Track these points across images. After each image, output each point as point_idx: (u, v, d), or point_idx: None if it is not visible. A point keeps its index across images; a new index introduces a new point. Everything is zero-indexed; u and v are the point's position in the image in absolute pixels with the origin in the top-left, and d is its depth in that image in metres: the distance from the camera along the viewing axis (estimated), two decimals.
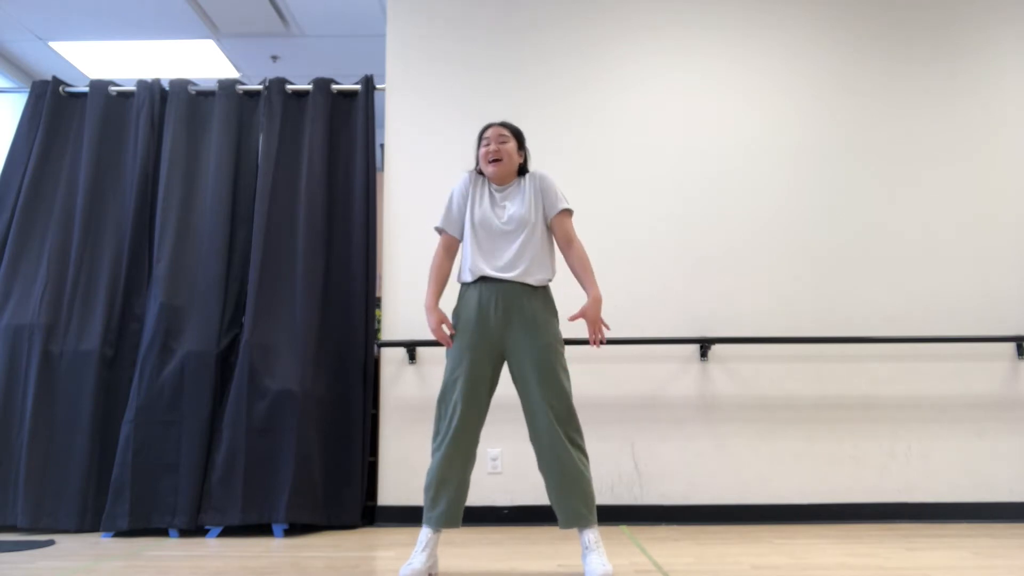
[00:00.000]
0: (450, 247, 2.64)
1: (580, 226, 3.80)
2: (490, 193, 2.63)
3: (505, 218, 2.55)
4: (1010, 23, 4.05)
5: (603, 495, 3.61)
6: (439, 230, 2.66)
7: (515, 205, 2.58)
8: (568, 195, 3.86)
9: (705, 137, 3.95)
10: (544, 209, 2.61)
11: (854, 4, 4.06)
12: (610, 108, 3.98)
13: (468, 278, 2.57)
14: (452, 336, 2.54)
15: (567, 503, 2.43)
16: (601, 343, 2.53)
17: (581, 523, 2.43)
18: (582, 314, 2.53)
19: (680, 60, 4.02)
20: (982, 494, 3.63)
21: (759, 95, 3.99)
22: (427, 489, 2.47)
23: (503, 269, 2.52)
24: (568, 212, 2.62)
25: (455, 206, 2.64)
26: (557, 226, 2.61)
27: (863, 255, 3.84)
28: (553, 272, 2.61)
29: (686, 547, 2.97)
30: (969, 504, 3.62)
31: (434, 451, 2.48)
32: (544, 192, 2.62)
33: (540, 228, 2.59)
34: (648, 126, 3.96)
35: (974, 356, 3.76)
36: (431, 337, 3.66)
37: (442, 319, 2.53)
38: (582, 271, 2.57)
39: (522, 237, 2.54)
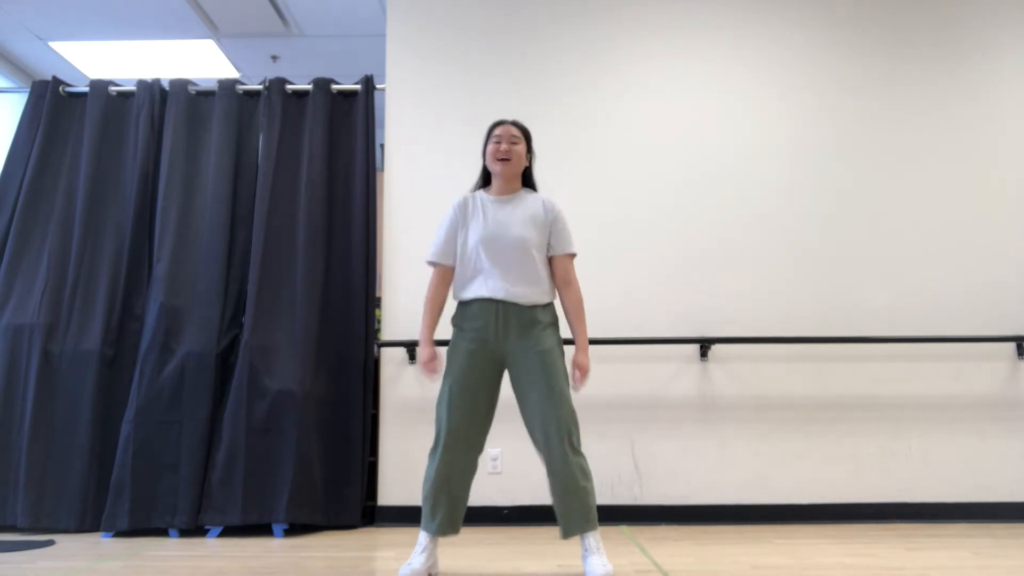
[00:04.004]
0: (445, 277, 2.61)
1: (581, 226, 3.81)
2: (488, 208, 2.58)
3: (509, 237, 2.51)
4: (1010, 23, 4.05)
5: (603, 495, 3.61)
6: (432, 264, 2.61)
7: (519, 222, 2.54)
8: (568, 195, 3.87)
9: (706, 137, 3.95)
10: (551, 243, 2.59)
11: (854, 5, 4.06)
12: (610, 108, 3.98)
13: (470, 296, 2.53)
14: (446, 360, 2.55)
15: (566, 515, 2.42)
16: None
17: (579, 531, 2.43)
18: (576, 365, 2.51)
19: (681, 60, 4.02)
20: (982, 494, 3.63)
21: (760, 95, 3.98)
22: (426, 499, 2.45)
23: (508, 288, 2.48)
24: (574, 255, 2.62)
25: (447, 236, 2.60)
26: (559, 264, 2.59)
27: (864, 255, 3.84)
28: (554, 295, 2.61)
29: (686, 547, 2.97)
30: (969, 504, 3.62)
31: (431, 457, 2.47)
32: (555, 227, 2.59)
33: (542, 252, 2.57)
34: (648, 126, 3.96)
35: (974, 356, 3.75)
36: None
37: (434, 355, 2.52)
38: (576, 314, 2.56)
39: (524, 254, 2.51)
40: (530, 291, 2.51)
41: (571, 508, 2.41)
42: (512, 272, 2.50)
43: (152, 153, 3.96)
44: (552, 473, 2.42)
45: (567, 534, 2.44)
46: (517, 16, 4.06)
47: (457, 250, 2.59)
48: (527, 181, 2.68)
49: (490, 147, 2.60)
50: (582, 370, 2.51)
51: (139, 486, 3.36)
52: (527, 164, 2.65)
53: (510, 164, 2.57)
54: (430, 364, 2.51)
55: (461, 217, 2.60)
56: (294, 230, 3.81)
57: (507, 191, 2.62)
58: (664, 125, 3.96)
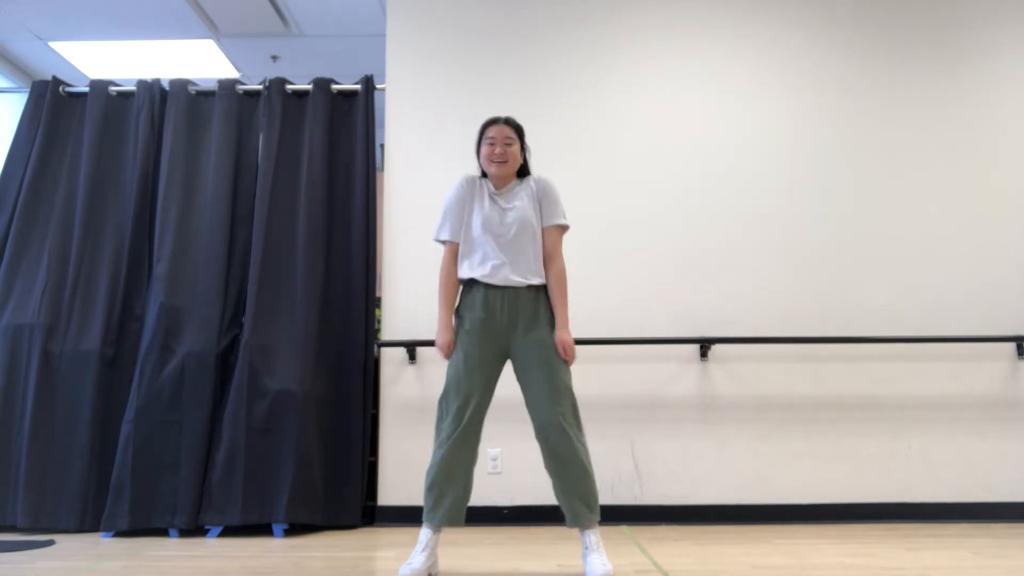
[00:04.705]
0: (456, 254, 2.60)
1: (580, 226, 3.81)
2: (490, 196, 2.60)
3: (509, 221, 2.53)
4: (1010, 23, 4.05)
5: (603, 495, 3.58)
6: (443, 241, 2.62)
7: (517, 208, 2.56)
8: (568, 195, 3.86)
9: (706, 137, 3.95)
10: (541, 215, 2.59)
11: (854, 5, 4.06)
12: (611, 109, 3.98)
13: (473, 276, 2.54)
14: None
15: (570, 503, 2.43)
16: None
17: (583, 523, 2.43)
18: (557, 341, 2.49)
19: (681, 61, 4.02)
20: (982, 494, 3.63)
21: (760, 95, 3.98)
22: (430, 489, 2.45)
23: (508, 272, 2.50)
24: (563, 228, 2.60)
25: (455, 213, 2.60)
26: (546, 236, 2.59)
27: (864, 255, 3.84)
28: None
29: (686, 547, 2.97)
30: (969, 504, 3.62)
31: (436, 449, 2.47)
32: (544, 198, 2.59)
33: (540, 232, 2.58)
34: (649, 126, 3.96)
35: (974, 356, 3.75)
36: (431, 337, 3.66)
37: (450, 342, 2.52)
38: (558, 290, 2.54)
39: (525, 240, 2.53)
40: (531, 272, 2.52)
41: (573, 497, 2.41)
42: (514, 253, 2.52)
43: (152, 153, 3.95)
44: (557, 461, 2.42)
45: (572, 524, 2.44)
46: (517, 16, 4.06)
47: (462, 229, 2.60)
48: (523, 173, 2.69)
49: (484, 149, 2.60)
50: (564, 346, 2.48)
51: (139, 486, 3.36)
52: (523, 161, 2.65)
53: (506, 166, 2.58)
54: (446, 349, 2.52)
55: (468, 194, 2.60)
56: (294, 230, 3.81)
57: (504, 185, 2.63)
58: (664, 125, 3.96)
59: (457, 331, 2.55)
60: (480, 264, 2.52)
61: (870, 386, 3.72)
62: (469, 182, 2.62)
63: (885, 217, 3.88)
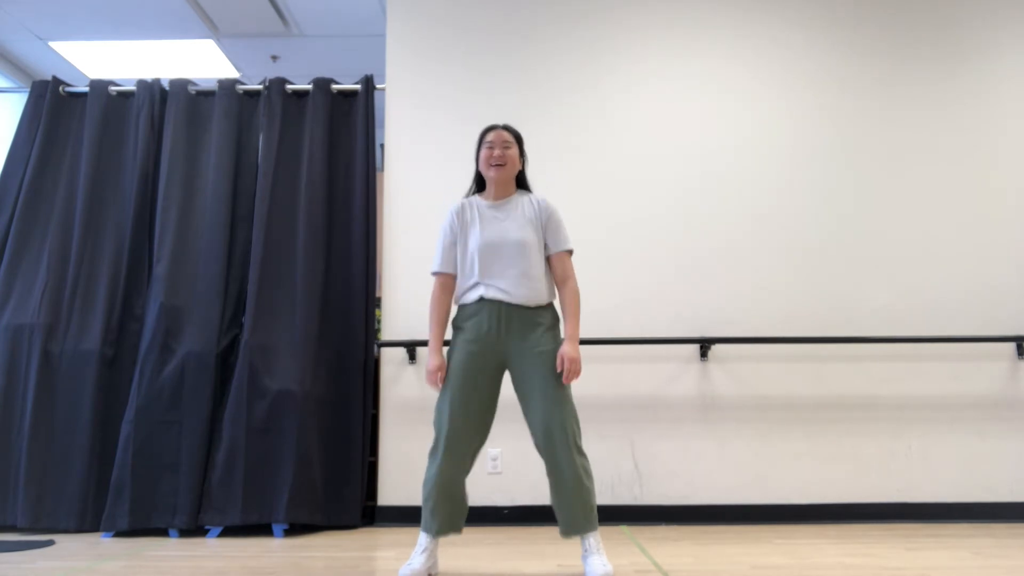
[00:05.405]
0: (447, 285, 2.60)
1: (580, 226, 3.81)
2: (485, 214, 2.59)
3: (507, 238, 2.52)
4: (1010, 24, 4.05)
5: (603, 495, 3.61)
6: (435, 273, 2.61)
7: (516, 226, 2.55)
8: (568, 196, 3.87)
9: (706, 137, 3.95)
10: (547, 242, 2.59)
11: (854, 5, 4.06)
12: (611, 109, 3.98)
13: (468, 300, 2.54)
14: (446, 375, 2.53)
15: (567, 512, 2.43)
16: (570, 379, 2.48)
17: (580, 532, 2.43)
18: (561, 354, 2.46)
19: (681, 61, 4.02)
20: (982, 494, 3.63)
21: (760, 95, 3.98)
22: (425, 500, 2.46)
23: (505, 290, 2.49)
24: (570, 252, 2.61)
25: (447, 244, 2.61)
26: (556, 262, 2.59)
27: (864, 255, 3.84)
28: (553, 294, 2.61)
29: (686, 547, 2.97)
30: (969, 504, 3.62)
31: (430, 458, 2.48)
32: (549, 225, 2.59)
33: (540, 252, 2.57)
34: (649, 127, 3.96)
35: (974, 356, 3.75)
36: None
37: (442, 365, 2.51)
38: (571, 309, 2.53)
39: (523, 257, 2.51)
40: (531, 293, 2.51)
41: (573, 508, 2.42)
42: (512, 275, 2.50)
43: (152, 153, 3.96)
44: (555, 473, 2.42)
45: (568, 533, 2.44)
46: (517, 16, 4.06)
47: (456, 258, 2.59)
48: (521, 183, 2.69)
49: (483, 153, 2.60)
50: (569, 361, 2.45)
51: (139, 486, 3.36)
52: (520, 167, 2.66)
53: (504, 169, 2.58)
54: (435, 374, 2.51)
55: (459, 223, 2.61)
56: (294, 230, 3.81)
57: (502, 195, 2.62)
58: (664, 125, 3.96)
59: (455, 341, 2.54)
60: (479, 287, 2.51)
61: (870, 386, 3.72)
62: (459, 211, 2.62)
63: (885, 217, 3.88)
